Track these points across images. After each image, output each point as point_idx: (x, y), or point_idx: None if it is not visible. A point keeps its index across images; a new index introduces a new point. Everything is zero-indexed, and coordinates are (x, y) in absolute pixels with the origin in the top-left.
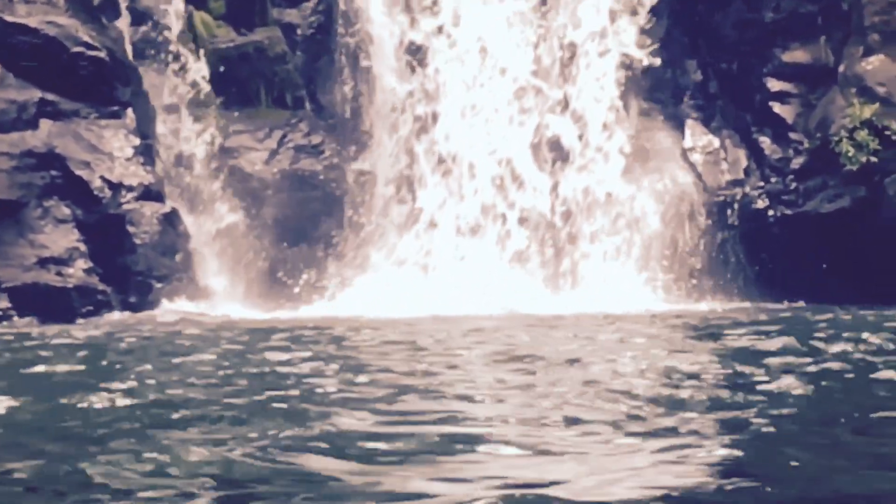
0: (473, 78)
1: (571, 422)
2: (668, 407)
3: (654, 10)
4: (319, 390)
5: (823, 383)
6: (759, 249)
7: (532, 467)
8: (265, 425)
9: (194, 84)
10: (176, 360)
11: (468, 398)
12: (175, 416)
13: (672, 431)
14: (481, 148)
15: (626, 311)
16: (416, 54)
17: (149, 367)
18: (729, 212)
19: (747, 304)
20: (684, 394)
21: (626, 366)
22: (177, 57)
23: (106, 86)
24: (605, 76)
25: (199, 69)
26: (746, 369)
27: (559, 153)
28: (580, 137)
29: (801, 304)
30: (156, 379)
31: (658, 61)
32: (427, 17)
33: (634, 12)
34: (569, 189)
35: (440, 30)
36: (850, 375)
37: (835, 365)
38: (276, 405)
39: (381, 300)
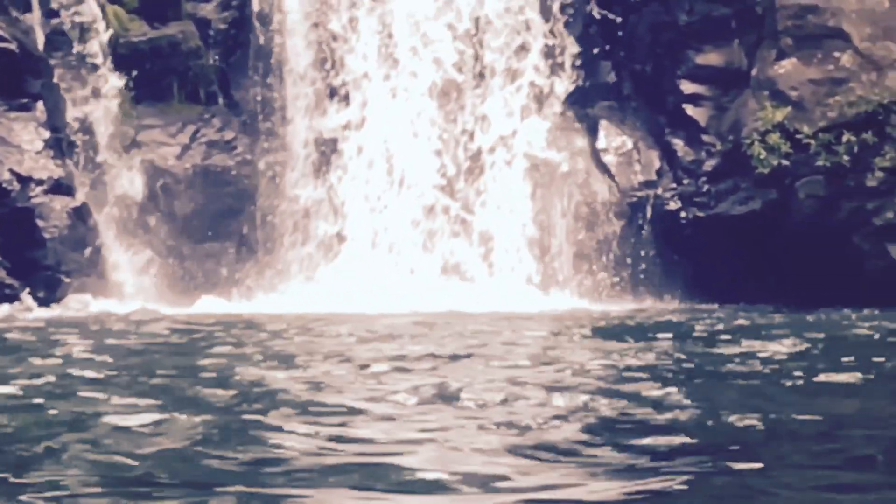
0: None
1: None
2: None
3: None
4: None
5: None
6: (671, 251)
7: None
8: None
9: (106, 77)
10: None
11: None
12: None
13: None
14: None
15: (527, 311)
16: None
17: None
18: (641, 213)
19: (657, 305)
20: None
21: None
22: (89, 50)
23: (16, 78)
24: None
25: (111, 63)
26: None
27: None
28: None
29: (715, 305)
30: None
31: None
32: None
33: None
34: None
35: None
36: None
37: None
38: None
39: (292, 297)
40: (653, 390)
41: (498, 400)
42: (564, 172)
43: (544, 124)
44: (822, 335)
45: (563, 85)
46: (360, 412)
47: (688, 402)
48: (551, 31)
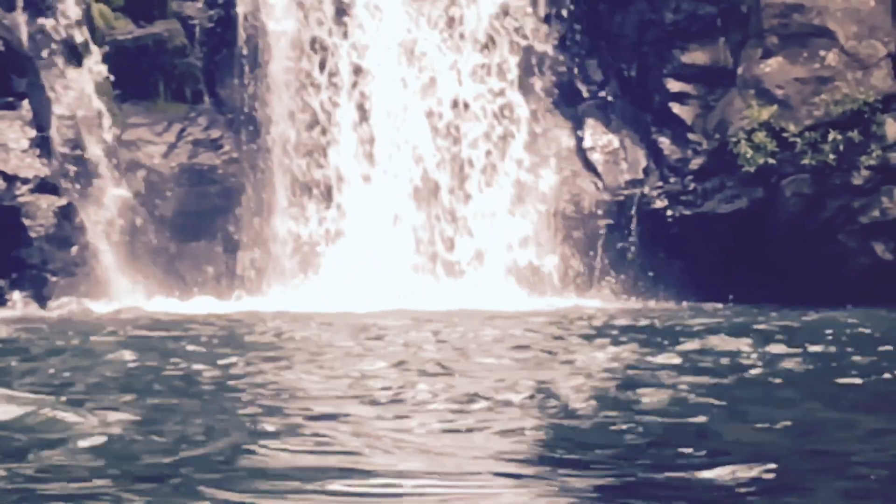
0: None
1: None
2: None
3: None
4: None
5: None
6: (657, 249)
7: None
8: None
9: (91, 76)
10: None
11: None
12: None
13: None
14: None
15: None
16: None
17: None
18: (628, 212)
19: (645, 304)
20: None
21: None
22: (74, 48)
23: (1, 76)
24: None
25: (96, 61)
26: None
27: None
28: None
29: (698, 303)
30: None
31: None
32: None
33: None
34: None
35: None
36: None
37: None
38: None
39: (281, 296)
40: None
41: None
42: (551, 171)
43: (530, 125)
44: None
45: (549, 82)
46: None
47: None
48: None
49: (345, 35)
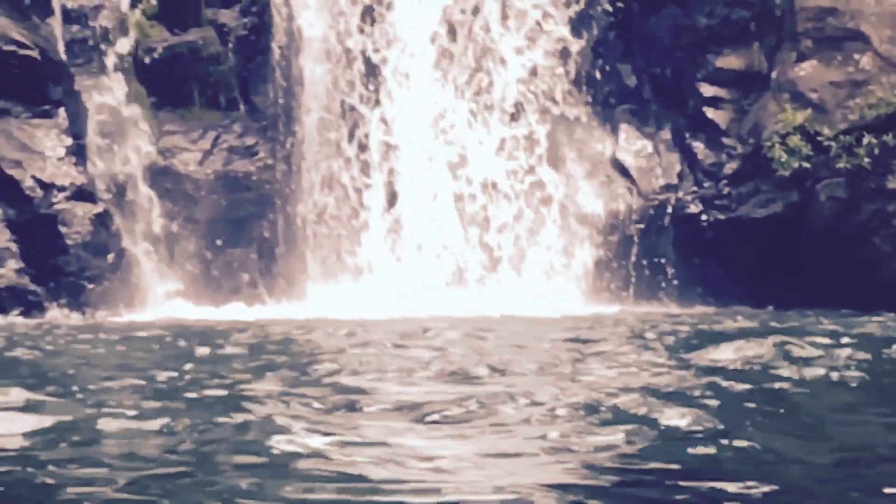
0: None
1: None
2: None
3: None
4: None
5: None
6: (692, 254)
7: None
8: None
9: (126, 84)
10: None
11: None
12: None
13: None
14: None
15: (552, 315)
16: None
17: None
18: (662, 216)
19: (679, 309)
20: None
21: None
22: (109, 56)
23: (38, 85)
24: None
25: (132, 69)
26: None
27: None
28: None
29: (736, 307)
30: None
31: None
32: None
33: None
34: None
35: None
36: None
37: None
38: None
39: (319, 302)
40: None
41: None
42: (585, 176)
43: (566, 128)
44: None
45: (584, 88)
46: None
47: None
48: (570, 32)
49: (376, 103)
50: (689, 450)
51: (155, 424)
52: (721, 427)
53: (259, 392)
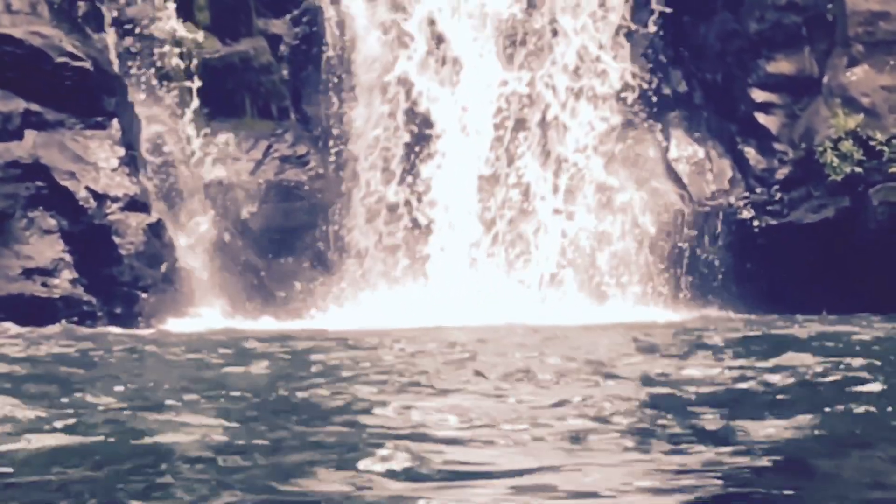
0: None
1: None
2: None
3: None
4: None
5: None
6: (744, 260)
7: None
8: None
9: (179, 95)
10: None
11: None
12: None
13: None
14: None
15: (604, 321)
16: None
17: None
18: (714, 222)
19: (731, 314)
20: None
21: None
22: (162, 67)
23: (91, 96)
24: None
25: (184, 80)
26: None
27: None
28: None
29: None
30: None
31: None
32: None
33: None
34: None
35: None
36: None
37: None
38: None
39: (374, 312)
40: None
41: None
42: (637, 182)
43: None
44: None
45: (635, 95)
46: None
47: None
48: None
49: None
50: None
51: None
52: None
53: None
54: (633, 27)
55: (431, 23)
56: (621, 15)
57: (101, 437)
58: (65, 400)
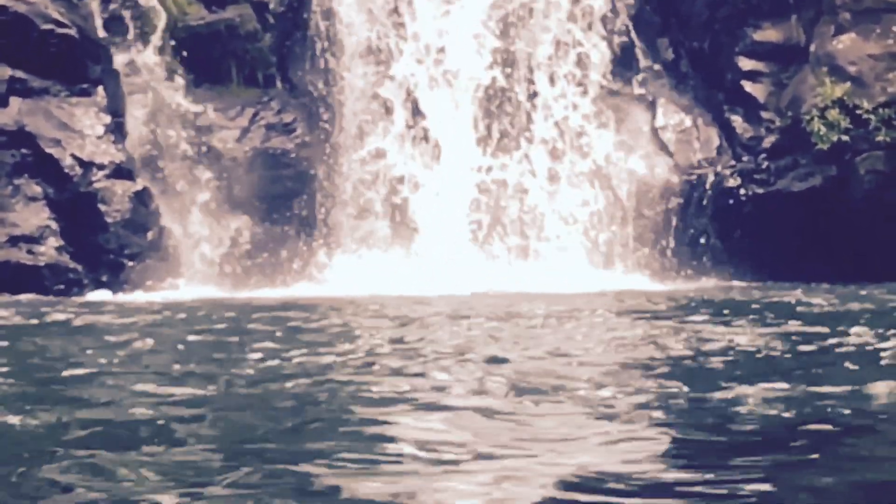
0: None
1: None
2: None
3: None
4: None
5: None
6: (731, 228)
7: None
8: None
9: (164, 62)
10: None
11: None
12: None
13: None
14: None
15: (591, 290)
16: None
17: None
18: (701, 191)
19: (719, 283)
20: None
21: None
22: (147, 34)
23: (76, 63)
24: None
25: (169, 47)
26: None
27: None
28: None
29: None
30: None
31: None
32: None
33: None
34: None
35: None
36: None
37: None
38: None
39: (360, 279)
40: None
41: None
42: (622, 151)
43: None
44: None
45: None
46: None
47: None
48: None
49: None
50: None
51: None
52: None
53: None
54: None
55: None
56: None
57: None
58: None
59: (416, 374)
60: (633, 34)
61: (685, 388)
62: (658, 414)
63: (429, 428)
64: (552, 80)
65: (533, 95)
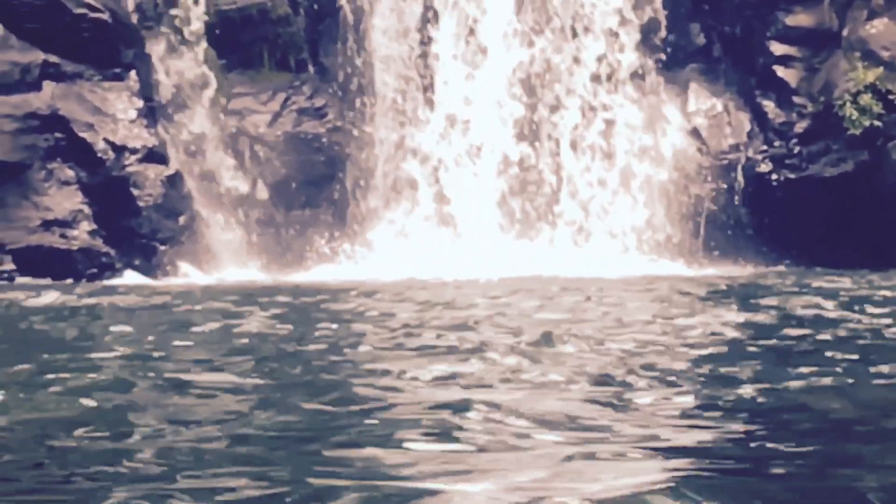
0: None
1: None
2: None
3: None
4: None
5: None
6: (762, 213)
7: None
8: None
9: (196, 46)
10: None
11: None
12: None
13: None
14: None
15: (627, 275)
16: None
17: None
18: (732, 176)
19: (750, 269)
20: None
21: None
22: (179, 19)
23: (109, 48)
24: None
25: (201, 31)
26: None
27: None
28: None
29: (802, 268)
30: None
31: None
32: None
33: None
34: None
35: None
36: None
37: None
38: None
39: (392, 263)
40: None
41: None
42: (653, 137)
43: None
44: None
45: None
46: None
47: None
48: None
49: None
50: None
51: None
52: None
53: None
54: None
55: None
56: None
57: None
58: None
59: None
60: (665, 18)
61: None
62: None
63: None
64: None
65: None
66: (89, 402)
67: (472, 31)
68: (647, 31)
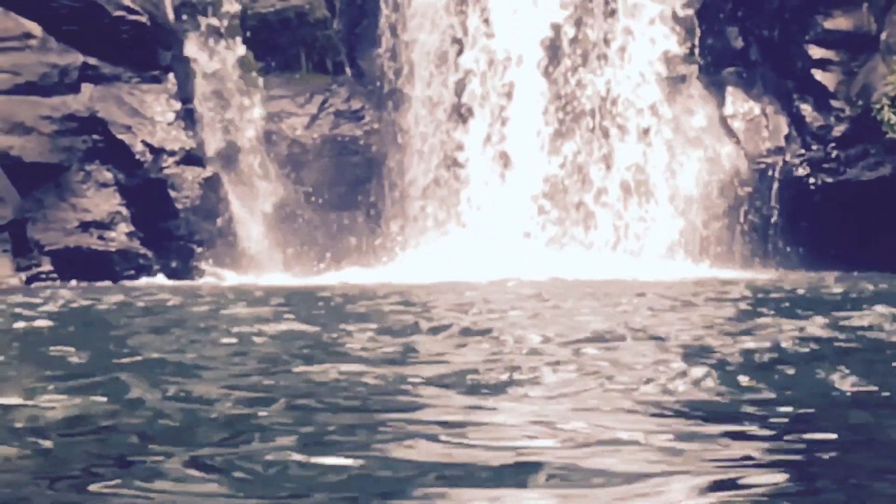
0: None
1: None
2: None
3: None
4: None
5: None
6: (799, 217)
7: None
8: None
9: (234, 49)
10: None
11: None
12: None
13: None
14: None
15: (664, 278)
16: None
17: None
18: (769, 180)
19: (787, 273)
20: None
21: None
22: (217, 22)
23: (147, 50)
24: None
25: (239, 34)
26: None
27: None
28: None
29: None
30: None
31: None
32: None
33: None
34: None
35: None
36: None
37: None
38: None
39: (429, 266)
40: None
41: None
42: (692, 140)
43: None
44: None
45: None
46: None
47: None
48: None
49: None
50: None
51: None
52: None
53: None
54: None
55: None
56: None
57: None
58: None
59: None
60: (703, 22)
61: None
62: None
63: None
64: None
65: None
66: None
67: None
68: (687, 33)
